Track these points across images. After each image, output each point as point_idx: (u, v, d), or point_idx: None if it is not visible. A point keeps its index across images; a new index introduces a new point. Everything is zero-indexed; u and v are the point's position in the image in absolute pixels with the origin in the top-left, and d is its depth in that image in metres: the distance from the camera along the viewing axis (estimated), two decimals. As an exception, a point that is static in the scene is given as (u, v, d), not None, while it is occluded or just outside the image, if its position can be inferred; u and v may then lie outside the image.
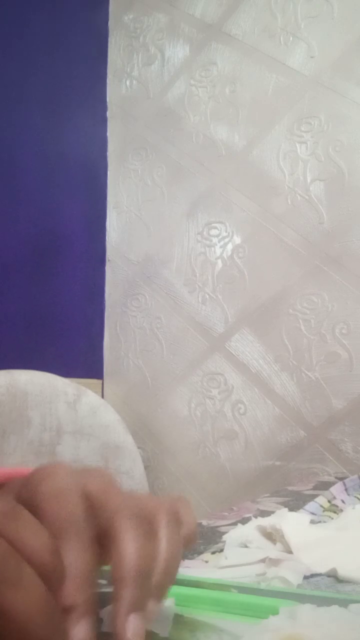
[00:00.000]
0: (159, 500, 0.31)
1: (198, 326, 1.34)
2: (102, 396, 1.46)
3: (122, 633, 0.24)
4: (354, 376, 1.12)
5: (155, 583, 0.27)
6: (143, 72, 1.48)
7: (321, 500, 0.73)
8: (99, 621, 0.26)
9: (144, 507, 0.29)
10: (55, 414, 1.10)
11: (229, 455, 1.27)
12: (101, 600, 0.26)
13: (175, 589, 0.36)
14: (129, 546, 0.26)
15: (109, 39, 1.54)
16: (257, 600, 0.36)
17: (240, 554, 0.53)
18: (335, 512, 0.70)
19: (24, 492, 0.29)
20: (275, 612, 0.35)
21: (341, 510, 0.70)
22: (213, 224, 1.33)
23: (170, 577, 0.28)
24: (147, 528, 0.28)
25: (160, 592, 0.27)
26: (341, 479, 0.83)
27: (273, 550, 0.54)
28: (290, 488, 0.91)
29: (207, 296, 1.32)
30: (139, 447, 1.28)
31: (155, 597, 0.27)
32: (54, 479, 0.29)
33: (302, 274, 1.19)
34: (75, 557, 0.25)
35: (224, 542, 0.58)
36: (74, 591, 0.24)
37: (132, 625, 0.24)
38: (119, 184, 1.50)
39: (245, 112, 1.29)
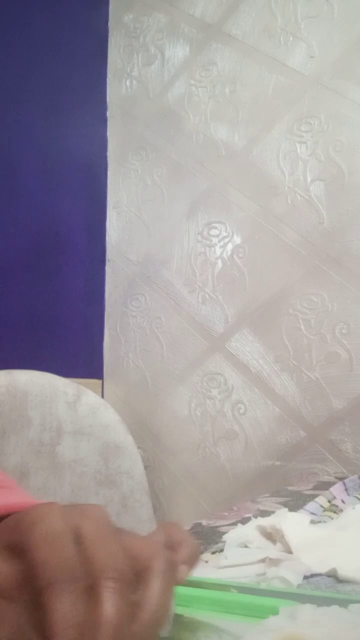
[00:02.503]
0: (150, 542, 0.30)
1: (198, 326, 1.33)
2: (102, 396, 1.46)
3: None
4: (354, 376, 1.12)
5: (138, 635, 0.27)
6: (143, 72, 1.48)
7: (321, 500, 0.73)
8: None
9: (134, 556, 0.28)
10: (55, 414, 1.10)
11: (229, 455, 1.27)
12: None
13: (175, 589, 0.36)
14: (109, 607, 0.26)
15: (109, 39, 1.54)
16: (257, 600, 0.36)
17: (240, 554, 0.53)
18: (335, 512, 0.70)
19: (15, 535, 0.28)
20: (275, 612, 0.35)
21: (341, 510, 0.70)
22: (213, 224, 1.33)
23: (156, 625, 0.28)
24: (131, 585, 0.27)
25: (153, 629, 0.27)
26: (341, 479, 0.83)
27: (273, 550, 0.54)
28: (290, 488, 0.91)
29: (207, 296, 1.32)
30: (139, 447, 1.28)
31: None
32: (46, 521, 0.28)
33: (302, 274, 1.19)
34: (63, 612, 0.25)
35: (224, 542, 0.58)
36: None
37: None
38: (119, 184, 1.50)
39: (245, 112, 1.29)
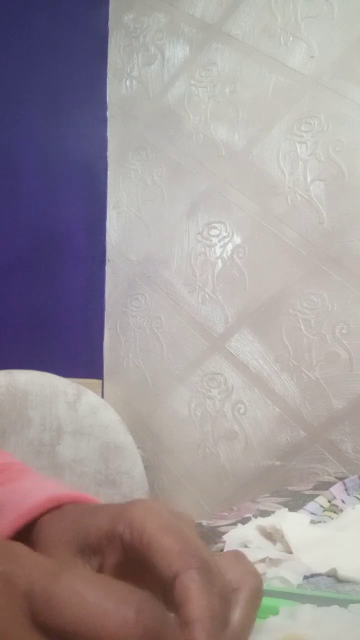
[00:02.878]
0: (240, 563, 0.30)
1: (198, 326, 1.34)
2: (102, 396, 1.46)
3: None
4: (354, 376, 1.12)
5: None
6: (143, 72, 1.48)
7: (321, 500, 0.73)
8: None
9: (228, 575, 0.29)
10: (55, 414, 1.10)
11: (229, 455, 1.27)
12: None
13: None
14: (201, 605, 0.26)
15: (109, 39, 1.54)
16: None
17: (240, 554, 0.53)
18: (335, 512, 0.70)
19: (121, 527, 0.29)
20: (275, 612, 0.35)
21: (341, 510, 0.70)
22: (213, 224, 1.33)
23: None
24: (226, 601, 0.28)
25: None
26: (341, 479, 0.83)
27: (273, 550, 0.54)
28: (290, 488, 0.91)
29: (207, 296, 1.32)
30: (139, 447, 1.28)
31: None
32: (160, 514, 0.29)
33: (302, 274, 1.19)
34: (202, 597, 0.25)
35: (224, 542, 0.58)
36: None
37: None
38: (119, 184, 1.50)
39: (245, 112, 1.29)
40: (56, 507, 0.35)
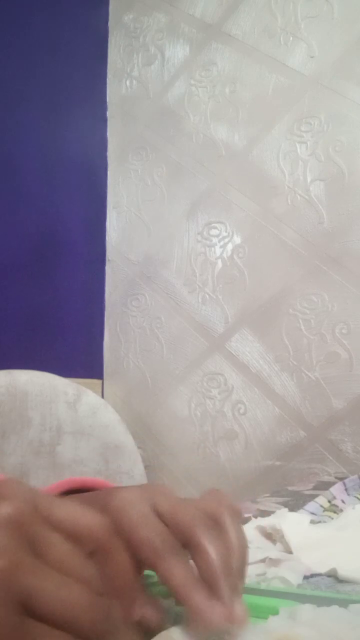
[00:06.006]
0: (213, 500, 0.35)
1: (198, 326, 1.33)
2: (102, 396, 1.46)
3: (231, 613, 0.29)
4: (354, 376, 1.12)
5: (236, 571, 0.32)
6: (143, 72, 1.48)
7: (321, 500, 0.73)
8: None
9: (208, 512, 0.34)
10: (55, 414, 1.10)
11: (229, 455, 1.27)
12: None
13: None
14: (211, 552, 0.31)
15: (109, 39, 1.54)
16: (257, 600, 0.36)
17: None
18: (335, 512, 0.70)
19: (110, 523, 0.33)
20: (275, 612, 0.35)
21: (341, 510, 0.70)
22: (213, 224, 1.33)
23: (245, 561, 0.34)
24: (218, 531, 0.33)
25: (242, 575, 0.33)
26: (341, 479, 0.83)
27: (273, 550, 0.54)
28: (290, 488, 0.91)
29: (207, 296, 1.32)
30: (139, 447, 1.28)
31: (240, 579, 0.33)
32: (135, 506, 0.33)
33: (302, 274, 1.19)
34: (183, 575, 0.30)
35: (224, 542, 0.58)
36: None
37: (238, 607, 0.30)
38: (119, 184, 1.50)
39: (245, 112, 1.29)
40: (68, 492, 0.40)
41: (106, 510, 0.33)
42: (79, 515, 0.28)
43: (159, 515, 0.33)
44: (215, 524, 0.33)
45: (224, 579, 0.30)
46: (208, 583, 0.30)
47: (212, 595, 0.30)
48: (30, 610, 0.24)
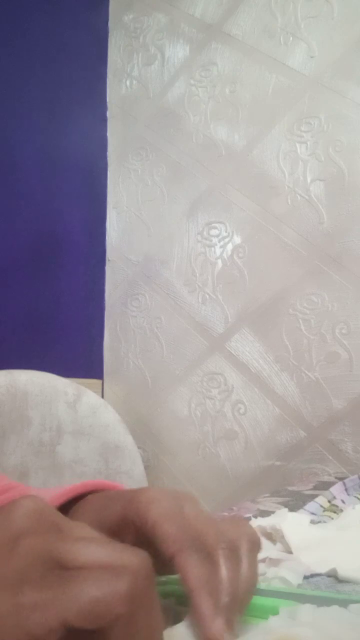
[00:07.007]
0: (236, 526, 0.36)
1: (198, 326, 1.33)
2: (102, 396, 1.46)
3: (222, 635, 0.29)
4: (354, 376, 1.12)
5: (238, 602, 0.32)
6: (143, 72, 1.48)
7: (321, 500, 0.73)
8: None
9: (228, 535, 0.34)
10: (55, 414, 1.09)
11: (229, 455, 1.27)
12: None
13: (176, 589, 0.36)
14: (223, 571, 0.32)
15: (109, 39, 1.54)
16: (257, 600, 0.36)
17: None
18: (335, 512, 0.70)
19: (131, 514, 0.34)
20: (275, 612, 0.35)
21: (341, 510, 0.70)
22: (213, 224, 1.33)
23: (249, 596, 0.34)
24: (233, 556, 0.33)
25: (242, 608, 0.33)
26: (341, 479, 0.83)
27: (273, 550, 0.54)
28: (290, 488, 0.91)
29: (207, 296, 1.32)
30: (139, 447, 1.28)
31: (239, 611, 0.33)
32: (162, 502, 0.34)
33: (302, 274, 1.19)
34: (197, 571, 0.31)
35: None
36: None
37: (219, 625, 0.30)
38: (119, 184, 1.50)
39: (245, 112, 1.29)
40: (85, 494, 0.41)
41: (132, 503, 0.34)
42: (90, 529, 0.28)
43: (185, 518, 0.33)
44: (233, 549, 0.33)
45: (231, 600, 0.31)
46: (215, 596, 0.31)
47: (217, 607, 0.30)
48: (63, 564, 0.25)
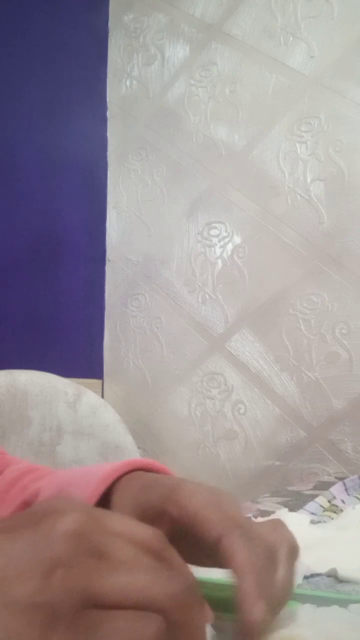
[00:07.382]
0: (277, 530, 0.36)
1: (198, 326, 1.33)
2: (102, 396, 1.46)
3: (261, 623, 0.29)
4: (354, 376, 1.12)
5: (277, 599, 0.32)
6: (143, 72, 1.48)
7: (321, 500, 0.73)
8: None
9: (267, 539, 0.34)
10: (55, 414, 1.09)
11: (229, 455, 1.27)
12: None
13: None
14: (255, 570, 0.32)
15: (109, 39, 1.54)
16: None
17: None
18: (335, 512, 0.70)
19: (170, 506, 0.35)
20: (275, 612, 0.35)
21: (341, 510, 0.70)
22: (213, 224, 1.33)
23: (283, 602, 0.33)
24: (270, 561, 0.33)
25: (277, 610, 0.33)
26: (341, 479, 0.83)
27: (273, 550, 0.54)
28: (290, 488, 0.91)
29: (207, 296, 1.32)
30: (139, 447, 1.28)
31: (277, 609, 0.32)
32: (202, 492, 0.35)
33: (302, 274, 1.19)
34: (245, 554, 0.31)
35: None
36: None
37: (261, 608, 0.29)
38: (119, 184, 1.50)
39: (245, 112, 1.29)
40: (127, 473, 0.42)
41: (172, 496, 0.35)
42: (133, 526, 0.28)
43: (227, 509, 0.34)
44: (270, 554, 0.33)
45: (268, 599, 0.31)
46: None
47: (261, 590, 0.30)
48: (96, 602, 0.25)
